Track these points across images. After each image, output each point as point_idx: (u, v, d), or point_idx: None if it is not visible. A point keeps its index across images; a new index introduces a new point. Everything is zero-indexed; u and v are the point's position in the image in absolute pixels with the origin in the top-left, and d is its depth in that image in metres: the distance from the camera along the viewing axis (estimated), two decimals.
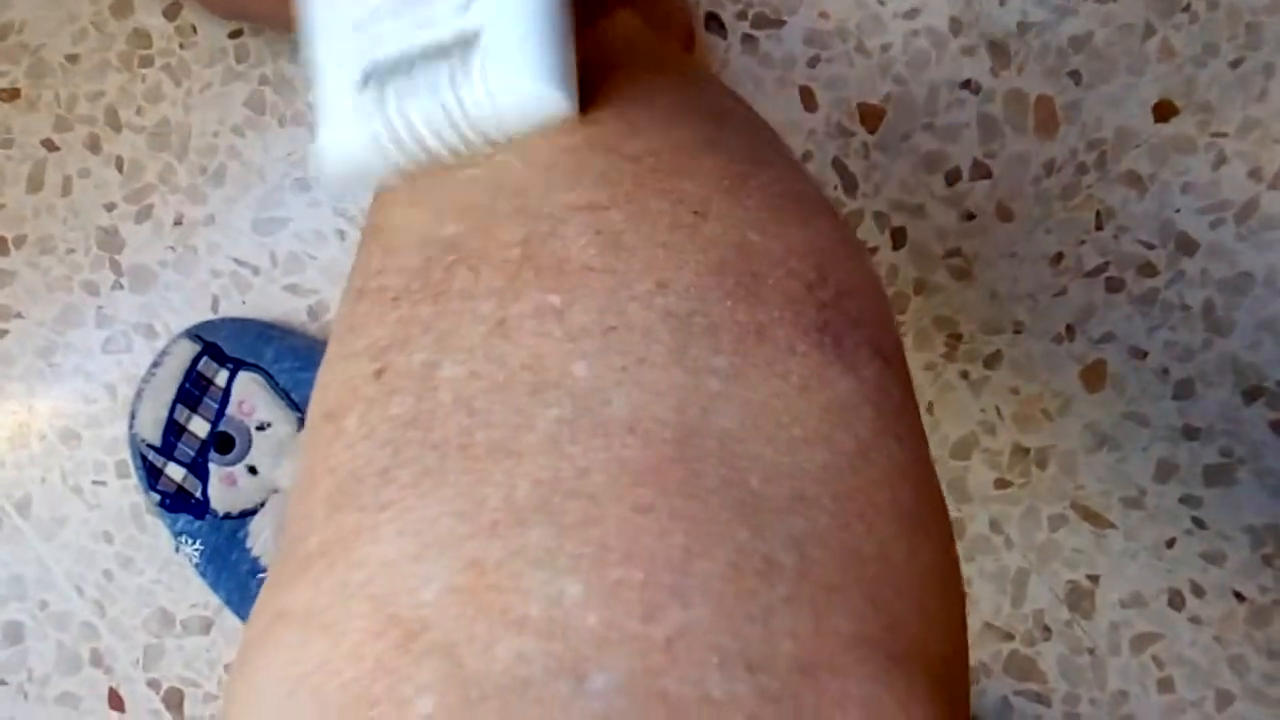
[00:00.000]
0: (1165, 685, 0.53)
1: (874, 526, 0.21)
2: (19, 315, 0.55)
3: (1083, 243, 0.53)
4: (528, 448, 0.21)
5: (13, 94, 0.55)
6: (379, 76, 0.24)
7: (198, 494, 0.52)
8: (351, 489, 0.22)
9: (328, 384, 0.24)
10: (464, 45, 0.24)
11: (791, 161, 0.30)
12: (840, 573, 0.20)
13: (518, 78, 0.24)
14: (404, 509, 0.21)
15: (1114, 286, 0.53)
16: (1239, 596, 0.53)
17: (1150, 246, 0.52)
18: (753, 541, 0.20)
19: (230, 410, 0.52)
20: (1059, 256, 0.53)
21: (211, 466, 0.52)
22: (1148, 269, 0.53)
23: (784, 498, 0.21)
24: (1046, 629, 0.53)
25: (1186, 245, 0.52)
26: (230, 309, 0.55)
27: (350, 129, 0.24)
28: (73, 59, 0.55)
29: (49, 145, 0.55)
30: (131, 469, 0.54)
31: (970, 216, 0.53)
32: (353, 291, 0.25)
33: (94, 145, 0.55)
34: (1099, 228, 0.53)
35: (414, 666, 0.18)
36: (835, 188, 0.53)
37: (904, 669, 0.20)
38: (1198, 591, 0.53)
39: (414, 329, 0.23)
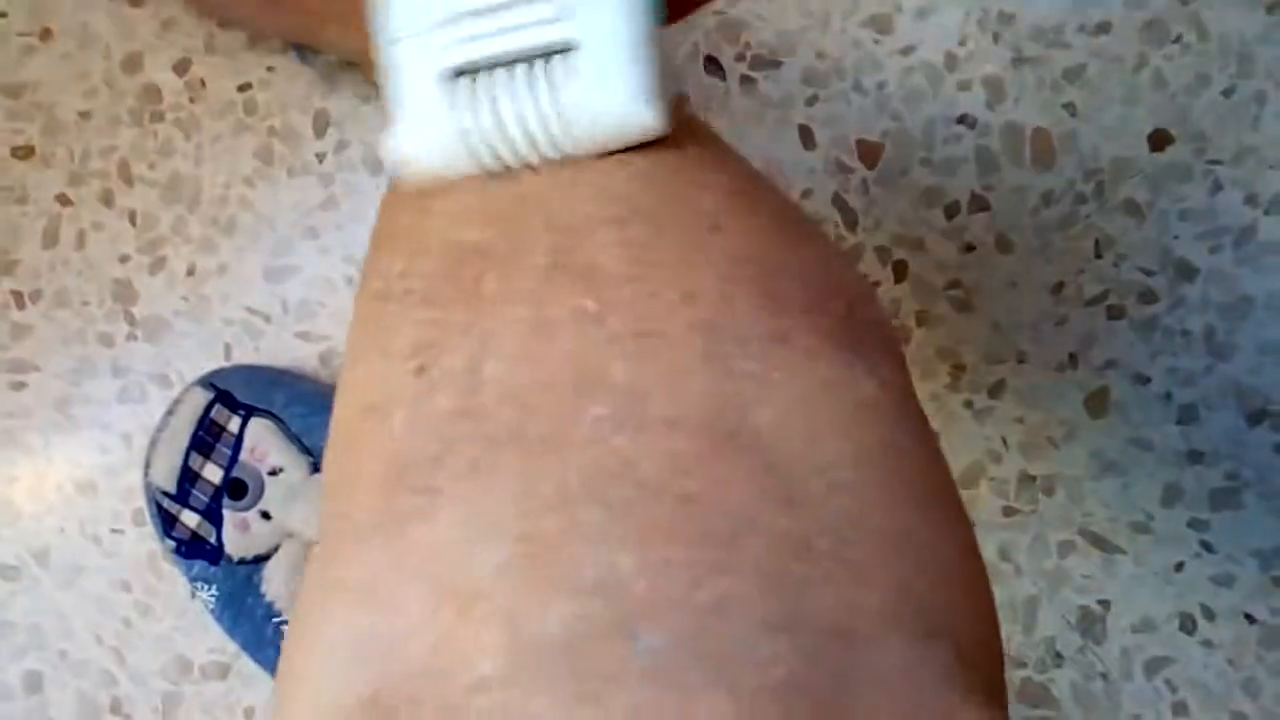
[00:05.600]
0: (1179, 709, 0.53)
1: (901, 513, 0.22)
2: (36, 368, 0.56)
3: (1082, 271, 0.53)
4: (576, 440, 0.21)
5: (28, 151, 0.56)
6: (470, 75, 0.24)
7: (212, 540, 0.53)
8: (403, 475, 0.22)
9: (363, 382, 0.25)
10: (561, 54, 0.24)
11: (782, 189, 0.32)
12: (873, 554, 0.21)
13: (617, 95, 0.24)
14: (456, 496, 0.21)
15: (1115, 314, 0.53)
16: (1250, 619, 0.53)
17: (1150, 273, 0.53)
18: (791, 527, 0.21)
19: (243, 456, 0.53)
20: (1059, 285, 0.53)
21: (225, 512, 0.53)
22: (1148, 296, 0.53)
23: (821, 487, 0.22)
24: (1059, 655, 0.53)
25: (1186, 271, 0.53)
26: (243, 356, 0.56)
27: (436, 123, 0.24)
28: (85, 115, 0.56)
29: (63, 200, 0.56)
30: (147, 517, 0.54)
31: (970, 249, 0.54)
32: (372, 293, 0.26)
33: (107, 199, 0.56)
34: (1098, 256, 0.53)
35: (473, 633, 0.19)
36: (836, 224, 0.54)
37: (938, 644, 0.21)
38: (1208, 615, 0.53)
39: (450, 331, 0.24)
